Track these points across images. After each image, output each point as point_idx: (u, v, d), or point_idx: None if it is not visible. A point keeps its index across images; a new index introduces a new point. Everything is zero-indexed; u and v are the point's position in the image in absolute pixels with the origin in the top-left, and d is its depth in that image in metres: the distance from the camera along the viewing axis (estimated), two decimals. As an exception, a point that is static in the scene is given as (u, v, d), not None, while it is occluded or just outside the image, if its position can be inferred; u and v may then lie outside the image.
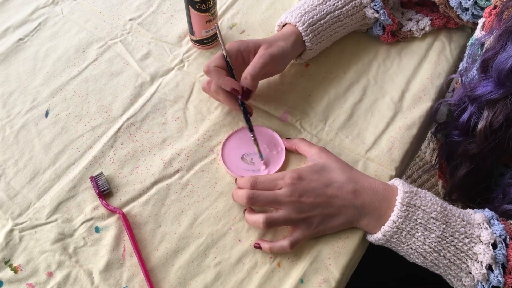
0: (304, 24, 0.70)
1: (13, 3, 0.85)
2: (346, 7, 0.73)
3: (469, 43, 0.69)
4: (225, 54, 0.66)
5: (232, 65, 0.66)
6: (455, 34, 0.81)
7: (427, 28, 0.79)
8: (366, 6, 0.74)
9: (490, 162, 0.64)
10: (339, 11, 0.72)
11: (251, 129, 0.66)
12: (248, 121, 0.66)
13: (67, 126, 0.70)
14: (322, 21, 0.71)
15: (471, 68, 0.65)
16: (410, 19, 0.79)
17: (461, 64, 0.72)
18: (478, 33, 0.67)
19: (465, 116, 0.62)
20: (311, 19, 0.70)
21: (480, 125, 0.60)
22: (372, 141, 0.69)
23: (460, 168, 0.66)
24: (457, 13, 0.74)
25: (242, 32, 0.82)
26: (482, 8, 0.70)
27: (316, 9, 0.71)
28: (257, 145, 0.65)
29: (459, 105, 0.64)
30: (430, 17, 0.78)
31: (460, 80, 0.66)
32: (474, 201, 0.67)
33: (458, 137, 0.65)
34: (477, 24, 0.69)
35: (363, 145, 0.69)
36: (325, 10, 0.71)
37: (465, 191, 0.69)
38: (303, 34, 0.70)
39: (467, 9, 0.72)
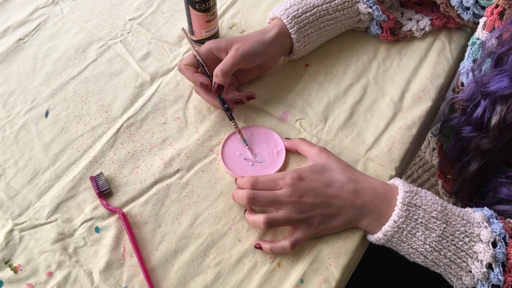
0: (288, 17, 0.70)
1: (13, 3, 0.85)
2: (336, 1, 0.73)
3: (470, 43, 0.69)
4: (194, 53, 0.68)
5: (205, 64, 0.69)
6: (455, 34, 0.81)
7: (427, 28, 0.79)
8: (358, 1, 0.74)
9: (501, 157, 0.63)
10: (328, 4, 0.73)
11: (231, 118, 0.68)
12: (227, 110, 0.68)
13: (67, 126, 0.70)
14: (308, 13, 0.71)
15: (483, 63, 0.64)
16: (410, 19, 0.79)
17: (461, 63, 0.72)
18: (479, 32, 0.66)
19: (479, 111, 0.61)
20: (295, 12, 0.71)
21: (494, 120, 0.59)
22: (372, 141, 0.69)
23: (472, 163, 0.65)
24: (458, 12, 0.74)
25: (242, 32, 0.82)
26: (483, 7, 0.70)
27: (302, 2, 0.72)
28: (239, 132, 0.67)
29: (471, 101, 0.63)
30: (430, 17, 0.78)
31: (472, 76, 0.66)
32: (471, 200, 0.67)
33: (471, 132, 0.64)
34: (477, 23, 0.69)
35: (363, 145, 0.69)
36: (311, 4, 0.72)
37: (474, 187, 0.68)
38: (288, 26, 0.71)
39: (468, 8, 0.72)
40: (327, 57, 0.78)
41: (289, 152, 0.67)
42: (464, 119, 0.65)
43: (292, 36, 0.71)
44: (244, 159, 0.66)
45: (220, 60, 0.68)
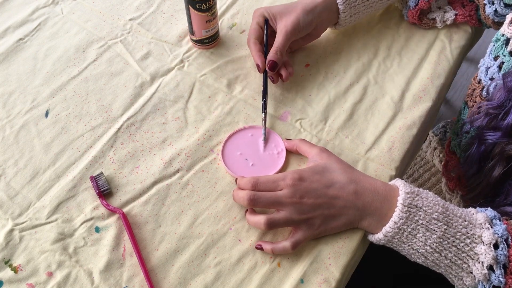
0: None
1: (13, 3, 0.85)
2: None
3: (493, 39, 0.68)
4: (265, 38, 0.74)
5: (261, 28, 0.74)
6: (455, 34, 0.81)
7: (448, 22, 0.80)
8: None
9: None
10: None
11: (264, 108, 0.70)
12: (265, 93, 0.72)
13: (67, 126, 0.70)
14: None
15: None
16: (439, 8, 0.80)
17: (481, 60, 0.71)
18: (505, 28, 0.66)
19: (510, 119, 0.61)
20: None
21: None
22: (372, 141, 0.69)
23: (497, 168, 0.64)
24: (484, 2, 0.74)
25: (242, 32, 0.82)
26: (507, 5, 0.70)
27: None
28: (264, 124, 0.68)
29: (502, 108, 0.62)
30: (456, 12, 0.79)
31: (502, 83, 0.64)
32: (477, 201, 0.67)
33: (500, 138, 0.62)
34: (495, 23, 0.69)
35: (363, 145, 0.68)
36: None
37: (494, 191, 0.68)
38: None
39: (493, 3, 0.72)
40: (327, 57, 0.78)
41: (290, 152, 0.67)
42: (488, 123, 0.64)
43: (339, 7, 0.73)
44: (245, 159, 0.67)
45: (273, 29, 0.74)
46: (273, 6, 0.74)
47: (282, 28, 0.72)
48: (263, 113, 0.70)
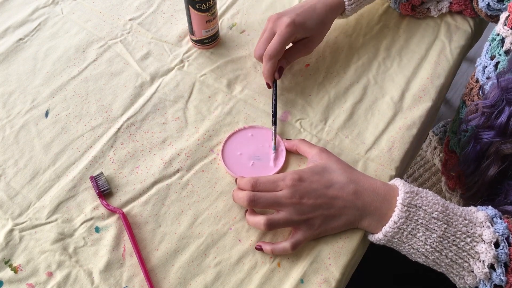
0: None
1: (13, 3, 0.85)
2: None
3: (489, 38, 0.68)
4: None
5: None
6: (455, 34, 0.81)
7: (443, 10, 0.80)
8: None
9: None
10: None
11: (274, 121, 0.69)
12: (274, 108, 0.70)
13: (67, 126, 0.70)
14: None
15: (509, 71, 0.62)
16: None
17: (478, 59, 0.71)
18: (500, 28, 0.66)
19: (503, 118, 0.61)
20: None
21: None
22: (372, 141, 0.69)
23: (492, 167, 0.64)
24: None
25: (242, 32, 0.82)
26: (499, 0, 0.70)
27: None
28: (274, 137, 0.67)
29: (495, 107, 0.62)
30: (450, 1, 0.80)
31: (496, 82, 0.64)
32: (475, 200, 0.67)
33: (493, 137, 0.63)
34: (489, 16, 0.69)
35: (363, 145, 0.68)
36: None
37: (491, 190, 0.68)
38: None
39: None
40: (327, 57, 0.78)
41: (290, 152, 0.67)
42: (484, 122, 0.64)
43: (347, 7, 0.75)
44: (250, 160, 0.66)
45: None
46: (302, 16, 0.70)
47: (309, 47, 0.73)
48: (273, 127, 0.68)
